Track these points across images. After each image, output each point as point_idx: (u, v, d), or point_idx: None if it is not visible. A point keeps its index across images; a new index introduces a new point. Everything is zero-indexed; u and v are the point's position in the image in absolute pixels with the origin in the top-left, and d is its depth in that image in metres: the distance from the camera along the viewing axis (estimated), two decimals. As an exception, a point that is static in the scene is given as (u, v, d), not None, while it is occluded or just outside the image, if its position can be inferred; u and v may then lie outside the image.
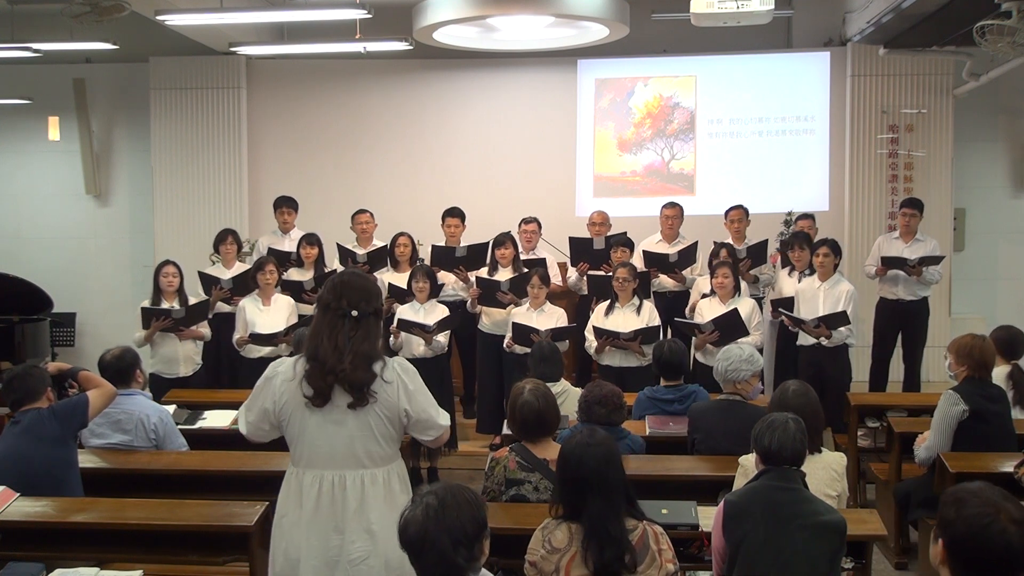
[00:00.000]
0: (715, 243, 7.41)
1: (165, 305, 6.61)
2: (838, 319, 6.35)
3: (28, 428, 4.12)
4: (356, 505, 3.09)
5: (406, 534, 2.44)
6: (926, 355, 8.09)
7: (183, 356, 6.62)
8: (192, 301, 6.73)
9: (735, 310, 6.30)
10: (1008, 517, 2.22)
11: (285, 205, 7.83)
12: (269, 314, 6.61)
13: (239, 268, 7.38)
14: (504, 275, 6.95)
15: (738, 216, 7.49)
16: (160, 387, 6.49)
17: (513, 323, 6.49)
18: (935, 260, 7.24)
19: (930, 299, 7.54)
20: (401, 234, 7.25)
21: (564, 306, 7.14)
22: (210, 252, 8.14)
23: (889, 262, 7.25)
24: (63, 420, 4.17)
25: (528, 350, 6.29)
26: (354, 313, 3.10)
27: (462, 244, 7.34)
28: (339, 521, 3.08)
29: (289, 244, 7.62)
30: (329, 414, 3.10)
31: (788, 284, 6.99)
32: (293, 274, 7.30)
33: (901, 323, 7.44)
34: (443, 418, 3.27)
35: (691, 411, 4.77)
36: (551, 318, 6.53)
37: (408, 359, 6.39)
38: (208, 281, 7.13)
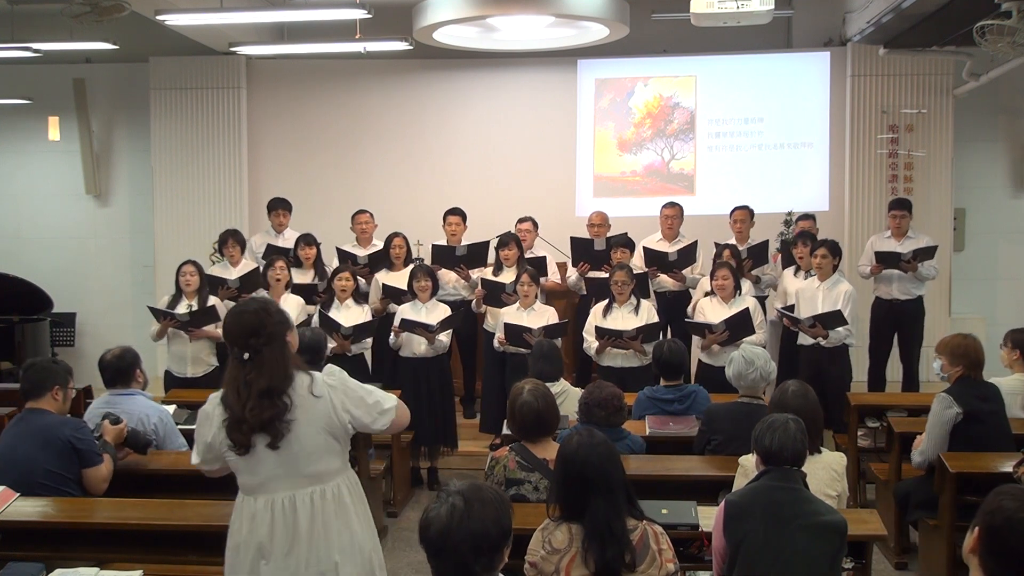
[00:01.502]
0: (716, 244, 7.41)
1: (184, 303, 6.64)
2: (833, 318, 6.33)
3: (38, 431, 4.12)
4: (307, 524, 3.07)
5: (427, 532, 2.37)
6: (928, 355, 8.09)
7: (191, 356, 6.63)
8: (212, 302, 6.74)
9: (746, 310, 6.31)
10: None
11: (281, 207, 7.85)
12: None
13: (244, 267, 7.38)
14: (509, 275, 6.95)
15: (742, 216, 7.49)
16: (171, 385, 6.52)
17: (505, 323, 6.49)
18: (929, 252, 7.20)
19: (930, 299, 7.53)
20: (396, 235, 7.25)
21: (563, 306, 7.15)
22: (210, 252, 8.15)
23: (883, 257, 7.23)
24: (77, 443, 4.16)
25: (519, 349, 6.32)
26: (245, 356, 3.05)
27: (463, 243, 7.34)
28: (293, 541, 3.06)
29: (283, 243, 7.64)
30: (258, 454, 3.06)
31: (793, 283, 6.99)
32: (294, 275, 7.30)
33: (896, 323, 7.43)
34: (387, 411, 3.18)
35: (708, 413, 4.75)
36: (542, 317, 6.52)
37: (409, 358, 6.48)
38: (214, 282, 7.12)
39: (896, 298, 7.36)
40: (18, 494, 3.96)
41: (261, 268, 6.97)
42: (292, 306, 6.70)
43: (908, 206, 7.50)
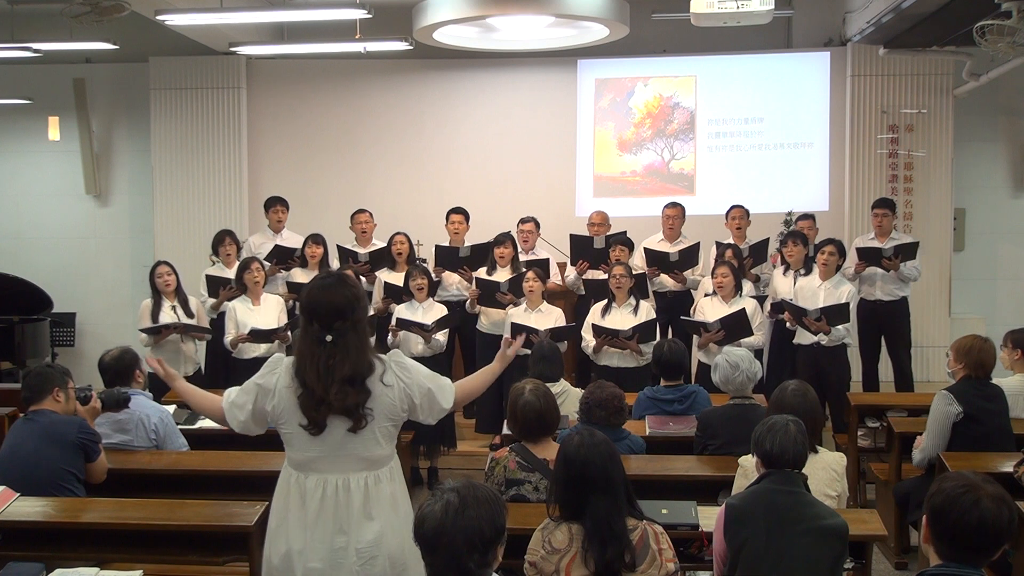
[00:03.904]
0: (718, 244, 7.40)
1: (166, 304, 6.63)
2: (839, 312, 6.31)
3: (45, 429, 4.15)
4: (360, 506, 3.06)
5: (422, 528, 2.40)
6: (928, 355, 8.06)
7: (183, 356, 6.65)
8: (191, 301, 6.75)
9: (743, 310, 6.30)
10: (986, 493, 2.29)
11: (279, 204, 7.84)
12: (260, 313, 6.60)
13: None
14: (503, 275, 6.94)
15: (739, 215, 7.49)
16: (161, 386, 6.49)
17: (512, 324, 6.48)
18: (911, 250, 7.17)
19: (929, 299, 7.50)
20: (398, 233, 7.27)
21: (562, 306, 7.13)
22: (209, 252, 8.15)
23: (864, 254, 7.21)
24: (83, 442, 4.20)
25: (527, 351, 6.31)
26: (328, 338, 2.99)
27: (466, 243, 7.35)
28: (343, 522, 3.05)
29: (281, 243, 7.63)
30: (328, 434, 3.05)
31: (782, 283, 6.97)
32: (297, 275, 7.30)
33: (880, 324, 7.38)
34: (447, 399, 3.20)
35: (702, 417, 4.74)
36: (549, 318, 6.52)
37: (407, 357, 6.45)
38: (215, 283, 7.11)
39: (879, 299, 7.33)
40: (18, 494, 3.96)
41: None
42: (274, 305, 6.71)
43: (891, 205, 7.49)
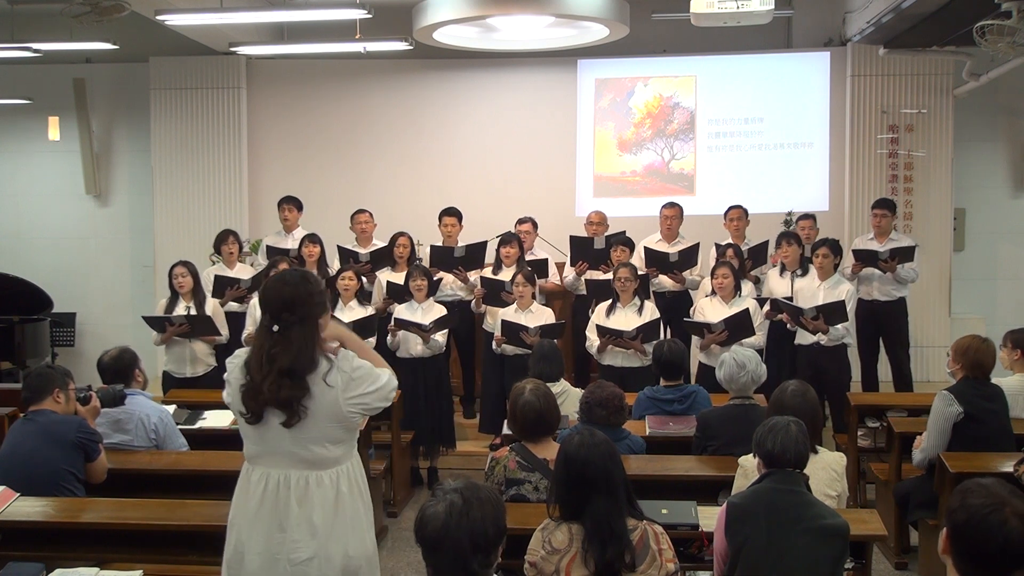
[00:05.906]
0: (717, 245, 7.39)
1: (181, 304, 6.62)
2: (836, 311, 6.31)
3: (45, 429, 4.17)
4: (297, 504, 3.04)
5: (425, 530, 2.39)
6: (927, 355, 8.05)
7: (191, 356, 6.63)
8: (209, 303, 6.74)
9: (746, 310, 6.30)
10: (1013, 511, 2.20)
11: (285, 203, 7.83)
12: None
13: (240, 269, 7.38)
14: (508, 275, 6.94)
15: (737, 215, 7.49)
16: (171, 386, 6.52)
17: (502, 320, 6.49)
18: (907, 253, 7.17)
19: (929, 299, 7.49)
20: (401, 234, 7.26)
21: (560, 306, 7.13)
22: (210, 252, 8.14)
23: (860, 255, 7.21)
24: (83, 441, 4.22)
25: (518, 350, 6.32)
26: (275, 328, 3.01)
27: (460, 244, 7.34)
28: (282, 519, 3.04)
29: (291, 243, 7.62)
30: (266, 426, 3.04)
31: (779, 284, 6.96)
32: None
33: (878, 325, 7.39)
34: (386, 384, 3.13)
35: (702, 418, 4.74)
36: (539, 318, 6.51)
37: (405, 358, 6.48)
38: (223, 283, 7.09)
39: (876, 299, 7.33)
40: (18, 494, 3.96)
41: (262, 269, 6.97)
42: None
43: (890, 206, 7.50)
